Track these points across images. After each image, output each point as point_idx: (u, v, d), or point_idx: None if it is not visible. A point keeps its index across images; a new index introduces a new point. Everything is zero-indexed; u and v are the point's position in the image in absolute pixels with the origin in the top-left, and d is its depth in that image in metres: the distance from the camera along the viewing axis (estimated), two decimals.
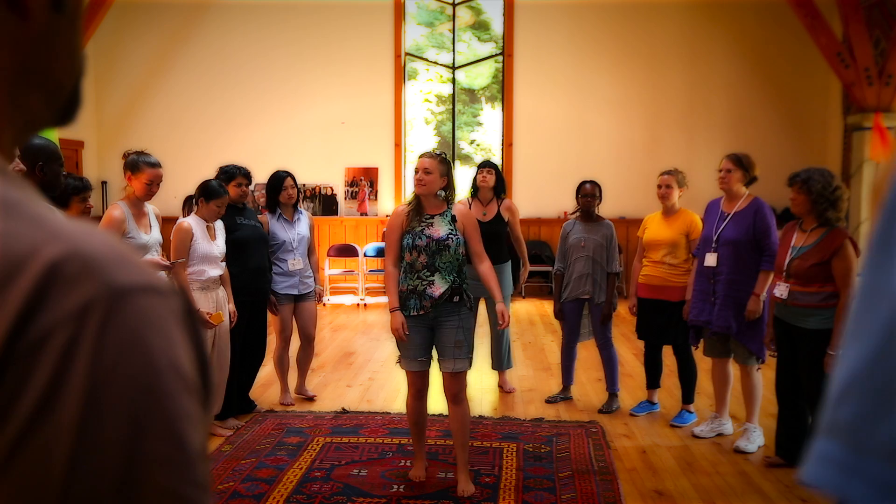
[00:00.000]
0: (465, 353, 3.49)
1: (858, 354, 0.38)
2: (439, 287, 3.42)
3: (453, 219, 3.52)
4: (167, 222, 4.11)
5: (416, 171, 3.50)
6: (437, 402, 4.75)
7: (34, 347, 0.40)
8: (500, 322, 3.59)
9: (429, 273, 3.43)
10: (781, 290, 3.70)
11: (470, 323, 3.54)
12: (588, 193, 4.81)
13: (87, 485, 0.39)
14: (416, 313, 3.45)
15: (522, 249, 5.26)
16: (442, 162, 3.52)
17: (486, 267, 3.58)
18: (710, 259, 4.16)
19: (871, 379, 0.37)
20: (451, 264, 3.46)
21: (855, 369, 0.38)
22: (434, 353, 3.56)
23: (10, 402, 0.39)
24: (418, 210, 3.51)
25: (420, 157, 3.55)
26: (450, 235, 3.45)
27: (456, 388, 3.53)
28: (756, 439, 4.12)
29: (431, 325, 3.49)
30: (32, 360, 0.40)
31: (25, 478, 0.39)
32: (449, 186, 3.55)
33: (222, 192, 4.15)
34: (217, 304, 4.15)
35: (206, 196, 4.11)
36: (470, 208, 5.15)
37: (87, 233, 0.45)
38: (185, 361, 0.44)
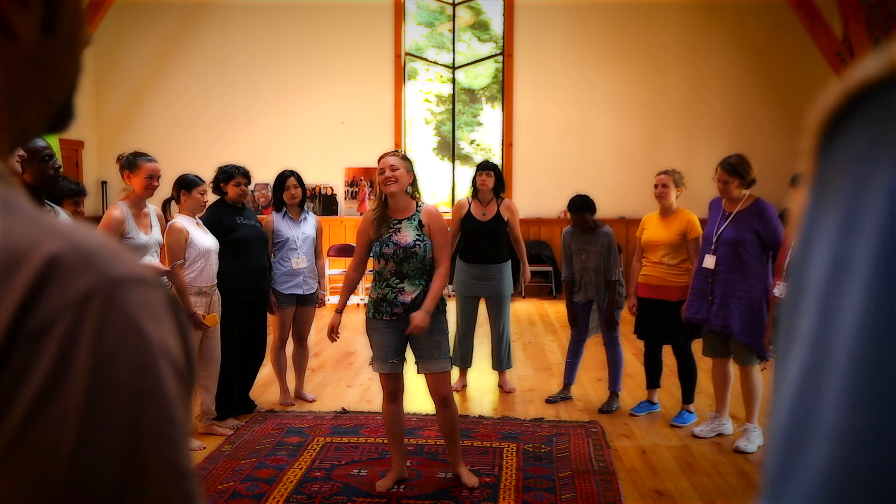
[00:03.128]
0: (445, 353, 3.45)
1: (778, 404, 0.37)
2: (410, 293, 3.40)
3: (420, 224, 3.42)
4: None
5: (381, 172, 3.38)
6: (431, 402, 4.74)
7: (38, 333, 0.43)
8: (412, 327, 3.36)
9: (398, 280, 3.41)
10: (781, 290, 3.69)
11: (445, 325, 3.48)
12: (578, 222, 4.71)
13: (95, 458, 0.42)
14: (388, 318, 3.43)
15: (522, 250, 5.27)
16: (404, 158, 3.46)
17: (437, 275, 3.43)
18: (709, 261, 4.15)
19: (786, 428, 0.36)
20: (420, 270, 3.40)
21: (775, 420, 0.37)
22: (409, 357, 3.54)
23: (16, 383, 0.42)
24: (384, 215, 3.42)
25: (381, 157, 3.44)
26: (417, 242, 3.38)
27: (444, 391, 3.51)
28: (756, 439, 4.12)
29: (404, 327, 3.42)
30: (37, 345, 0.42)
31: (37, 453, 0.42)
32: (414, 184, 3.48)
33: (200, 180, 4.16)
34: (212, 308, 4.14)
35: (186, 187, 4.11)
36: (470, 208, 5.16)
37: (82, 230, 0.48)
38: (175, 347, 0.48)
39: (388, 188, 3.37)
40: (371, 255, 3.50)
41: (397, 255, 3.38)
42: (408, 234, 3.39)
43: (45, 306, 0.43)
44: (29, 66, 0.53)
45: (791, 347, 0.37)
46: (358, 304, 9.22)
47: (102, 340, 0.43)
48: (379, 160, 3.45)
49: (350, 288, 3.62)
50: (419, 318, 3.35)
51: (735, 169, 4.09)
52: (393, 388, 3.55)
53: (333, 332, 3.65)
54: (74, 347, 0.43)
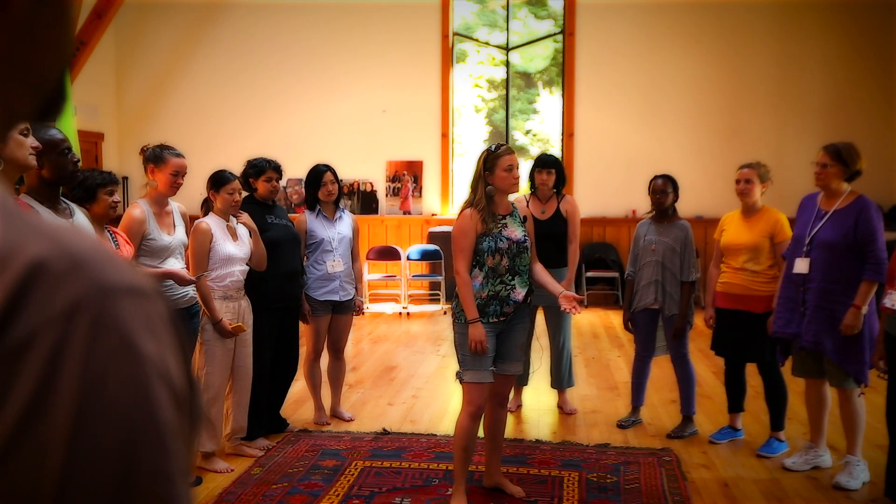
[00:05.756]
0: (522, 358, 3.80)
1: None
2: (520, 291, 3.62)
3: (524, 220, 3.73)
4: (193, 221, 4.18)
5: (508, 170, 3.59)
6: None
7: (18, 350, 0.41)
8: (570, 308, 3.64)
9: (510, 277, 3.60)
10: (894, 301, 3.56)
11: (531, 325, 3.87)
12: (658, 190, 4.75)
13: (83, 495, 0.41)
14: (494, 320, 3.58)
15: (574, 254, 5.13)
16: None
17: (539, 267, 3.82)
18: (801, 265, 4.04)
19: None
20: (528, 266, 3.68)
21: None
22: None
23: None
24: (490, 211, 3.62)
25: (507, 153, 3.63)
26: (525, 237, 3.67)
27: (507, 391, 3.85)
28: (860, 474, 3.99)
29: (501, 329, 3.64)
30: (16, 364, 0.41)
31: (14, 492, 0.40)
32: None
33: (231, 177, 4.22)
34: (240, 315, 4.20)
35: (214, 186, 4.18)
36: (528, 205, 5.13)
37: (72, 232, 0.47)
38: (174, 369, 0.46)
39: (515, 188, 3.66)
40: (481, 251, 3.59)
41: (511, 251, 3.59)
42: (515, 230, 3.65)
43: (26, 319, 0.41)
44: (19, 37, 0.50)
45: None
46: (400, 314, 9.26)
47: (92, 360, 0.42)
48: (499, 157, 3.61)
49: (473, 292, 3.59)
50: (566, 293, 3.68)
51: (840, 154, 4.00)
52: (482, 402, 3.64)
53: (482, 345, 3.55)
54: (59, 367, 0.41)
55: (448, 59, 10.34)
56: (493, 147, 3.68)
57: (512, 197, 3.80)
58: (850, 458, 4.04)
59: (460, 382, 3.66)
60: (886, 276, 3.73)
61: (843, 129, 9.06)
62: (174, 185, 3.93)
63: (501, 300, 3.58)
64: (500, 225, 3.61)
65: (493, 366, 3.62)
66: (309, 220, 4.83)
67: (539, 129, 11.25)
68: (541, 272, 3.77)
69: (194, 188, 4.84)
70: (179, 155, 3.95)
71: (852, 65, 9.67)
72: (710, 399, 5.45)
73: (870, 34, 9.58)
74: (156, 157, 3.90)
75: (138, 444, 0.43)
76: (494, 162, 3.61)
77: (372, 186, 10.44)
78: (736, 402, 4.73)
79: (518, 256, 3.61)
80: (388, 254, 9.71)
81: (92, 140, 10.05)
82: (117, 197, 3.61)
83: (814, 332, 3.98)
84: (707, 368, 6.20)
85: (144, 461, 0.43)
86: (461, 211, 3.68)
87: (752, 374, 4.67)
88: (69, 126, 7.86)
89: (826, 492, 3.93)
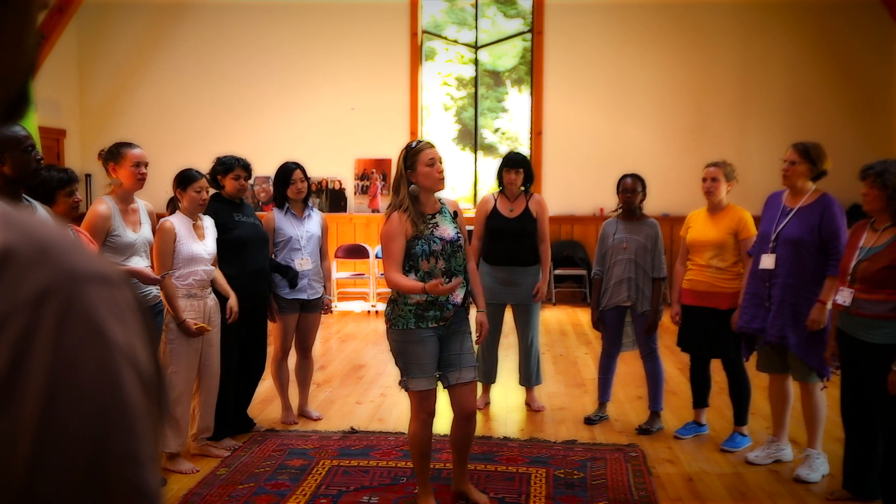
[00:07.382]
0: (475, 359, 3.65)
1: None
2: (458, 294, 3.52)
3: (455, 215, 3.60)
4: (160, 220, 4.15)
5: (430, 164, 3.47)
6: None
7: None
8: (478, 334, 3.72)
9: (448, 280, 3.46)
10: (844, 297, 3.64)
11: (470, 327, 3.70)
12: (629, 188, 4.80)
13: (53, 483, 0.41)
14: (434, 325, 3.48)
15: (546, 253, 5.18)
16: None
17: (473, 266, 3.73)
18: (767, 261, 4.11)
19: None
20: (464, 265, 3.57)
21: None
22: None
23: None
24: (419, 211, 3.50)
25: (427, 147, 3.54)
26: (458, 235, 3.56)
27: (474, 404, 3.67)
28: (819, 467, 4.07)
29: (442, 335, 3.52)
30: None
31: None
32: None
33: (198, 175, 4.17)
34: (206, 313, 4.16)
35: (181, 184, 4.14)
36: (496, 204, 5.15)
37: (39, 222, 0.47)
38: (142, 355, 0.47)
39: (440, 185, 3.51)
40: (415, 256, 3.45)
41: (445, 251, 3.48)
42: (447, 228, 3.52)
43: None
44: None
45: None
46: (368, 312, 9.25)
47: (61, 346, 0.42)
48: (420, 152, 3.49)
49: (408, 280, 3.41)
50: (481, 319, 3.71)
51: (808, 152, 4.08)
52: (432, 408, 3.55)
53: (447, 287, 3.29)
54: (28, 353, 0.41)
55: (417, 57, 10.33)
56: (413, 143, 3.59)
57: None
58: (811, 451, 4.12)
59: (406, 391, 3.58)
60: (840, 272, 3.81)
61: (805, 129, 9.21)
62: (139, 178, 3.90)
63: (441, 305, 3.46)
64: (430, 225, 3.49)
65: (438, 371, 3.53)
66: (277, 218, 4.81)
67: (508, 128, 11.29)
68: (473, 278, 3.66)
69: (160, 186, 4.80)
70: (136, 147, 3.93)
71: (814, 66, 9.83)
72: (675, 395, 5.52)
73: (831, 36, 9.76)
74: (113, 154, 3.88)
75: (108, 429, 0.43)
76: (415, 158, 3.48)
77: (340, 184, 10.40)
78: (701, 397, 4.79)
79: (453, 257, 3.50)
80: (357, 252, 9.68)
81: (53, 137, 9.88)
82: (78, 195, 3.56)
83: (779, 327, 4.05)
84: (673, 365, 6.28)
85: (115, 445, 0.43)
86: (388, 215, 3.52)
87: (716, 369, 4.74)
88: (30, 123, 7.73)
89: (787, 485, 4.01)
